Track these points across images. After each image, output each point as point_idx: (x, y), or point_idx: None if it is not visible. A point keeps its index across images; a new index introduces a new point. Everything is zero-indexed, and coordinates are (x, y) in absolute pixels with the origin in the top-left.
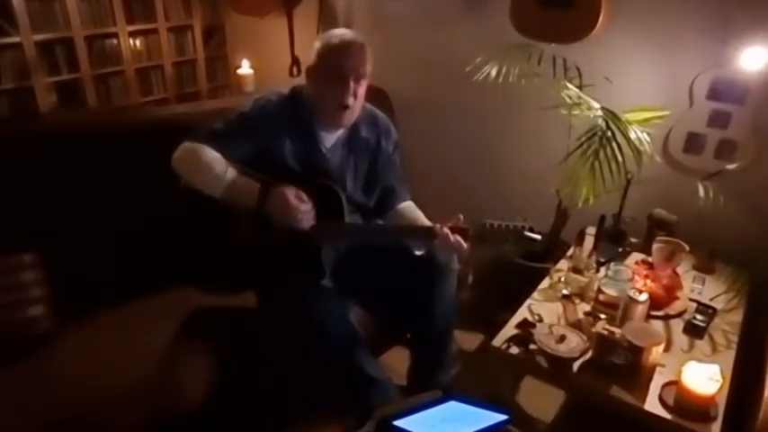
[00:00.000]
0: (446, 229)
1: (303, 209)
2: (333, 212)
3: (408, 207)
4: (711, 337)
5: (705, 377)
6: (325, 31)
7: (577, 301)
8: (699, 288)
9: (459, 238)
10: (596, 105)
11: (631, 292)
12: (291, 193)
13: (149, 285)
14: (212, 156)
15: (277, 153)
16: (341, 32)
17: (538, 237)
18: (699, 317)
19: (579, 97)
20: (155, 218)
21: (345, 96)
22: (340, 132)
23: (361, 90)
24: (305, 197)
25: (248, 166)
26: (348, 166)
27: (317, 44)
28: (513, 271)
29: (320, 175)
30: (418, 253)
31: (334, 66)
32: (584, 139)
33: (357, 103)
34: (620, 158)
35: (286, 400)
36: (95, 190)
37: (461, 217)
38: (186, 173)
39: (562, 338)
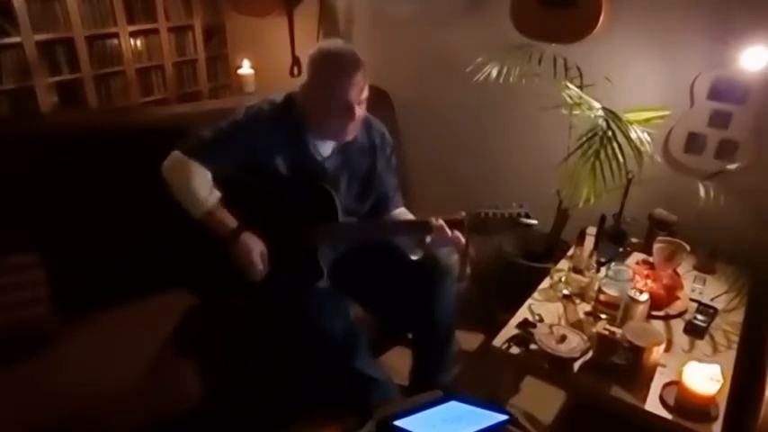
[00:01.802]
0: (441, 221)
1: (260, 269)
2: (327, 214)
3: (402, 213)
4: (712, 338)
5: (706, 377)
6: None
7: (578, 301)
8: (699, 288)
9: (457, 232)
10: (597, 105)
11: (632, 292)
12: (257, 251)
13: (149, 286)
14: (200, 178)
15: (270, 161)
16: (338, 54)
17: (534, 221)
18: (699, 317)
19: (580, 97)
20: (154, 218)
21: (350, 124)
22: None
23: (363, 107)
24: (266, 258)
25: (240, 171)
26: (343, 173)
27: (315, 67)
28: (513, 271)
29: (314, 182)
30: (414, 258)
31: (338, 97)
32: (584, 139)
33: (358, 120)
34: (620, 158)
35: (286, 400)
36: (95, 190)
37: (463, 213)
38: (172, 186)
39: (563, 338)
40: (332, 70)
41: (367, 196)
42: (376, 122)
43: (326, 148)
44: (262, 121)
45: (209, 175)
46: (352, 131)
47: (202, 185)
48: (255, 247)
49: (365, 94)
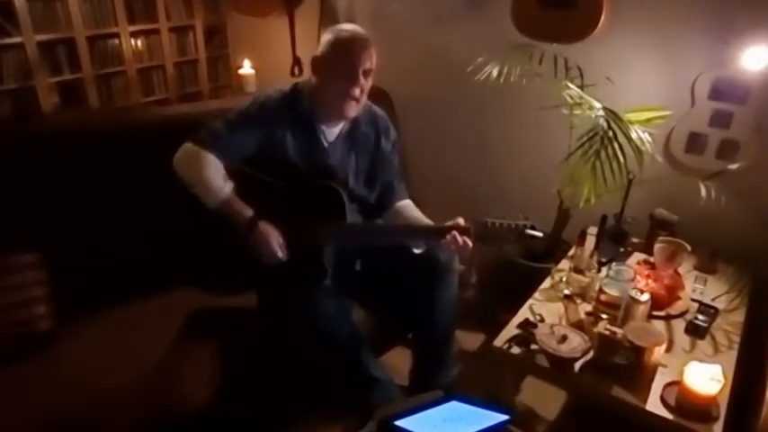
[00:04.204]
0: (453, 231)
1: (279, 255)
2: (335, 213)
3: (407, 205)
4: (713, 338)
5: (707, 377)
6: (328, 29)
7: (579, 301)
8: (700, 288)
9: (466, 239)
10: (597, 105)
11: (633, 293)
12: (275, 239)
13: (150, 285)
14: (214, 167)
15: (278, 149)
16: (350, 27)
17: (539, 234)
18: (700, 317)
19: (581, 97)
20: (156, 218)
21: (354, 88)
22: (341, 127)
23: (367, 85)
24: (284, 245)
25: (250, 163)
26: (350, 160)
27: (328, 36)
28: (514, 271)
29: (322, 170)
30: (417, 251)
31: (347, 58)
32: (585, 138)
33: (363, 96)
34: (621, 158)
35: (287, 400)
36: (97, 190)
37: (461, 220)
38: (185, 178)
39: (563, 338)
40: (342, 36)
41: (374, 184)
42: (381, 113)
43: (332, 134)
44: (270, 108)
45: (221, 165)
46: (355, 105)
47: (216, 175)
48: (273, 234)
49: (372, 66)
